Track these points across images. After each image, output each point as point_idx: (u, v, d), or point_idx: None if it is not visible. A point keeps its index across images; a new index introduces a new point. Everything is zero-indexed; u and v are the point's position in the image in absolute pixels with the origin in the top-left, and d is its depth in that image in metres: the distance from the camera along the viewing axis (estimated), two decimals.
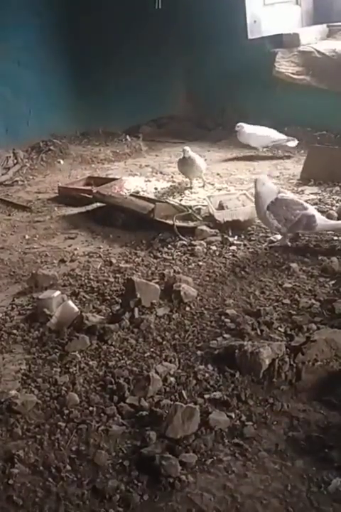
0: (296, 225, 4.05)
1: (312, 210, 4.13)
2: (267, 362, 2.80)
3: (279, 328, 3.14)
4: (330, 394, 2.67)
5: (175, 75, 7.61)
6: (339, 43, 6.37)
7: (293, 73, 6.47)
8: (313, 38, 6.58)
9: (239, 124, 6.21)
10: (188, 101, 7.69)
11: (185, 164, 5.44)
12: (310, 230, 4.09)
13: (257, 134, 6.21)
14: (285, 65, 6.54)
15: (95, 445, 2.49)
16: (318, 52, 6.30)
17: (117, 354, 3.08)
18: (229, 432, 2.50)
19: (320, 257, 3.88)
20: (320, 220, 4.08)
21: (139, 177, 6.02)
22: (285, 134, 6.21)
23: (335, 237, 4.17)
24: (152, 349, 3.10)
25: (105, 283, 3.83)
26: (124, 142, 7.17)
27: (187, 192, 5.42)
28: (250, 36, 6.31)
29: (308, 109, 6.34)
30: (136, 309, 3.39)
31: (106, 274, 3.96)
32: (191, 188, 5.50)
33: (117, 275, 3.93)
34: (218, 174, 5.90)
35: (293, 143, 6.11)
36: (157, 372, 2.88)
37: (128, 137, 7.24)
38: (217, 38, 6.95)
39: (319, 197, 5.02)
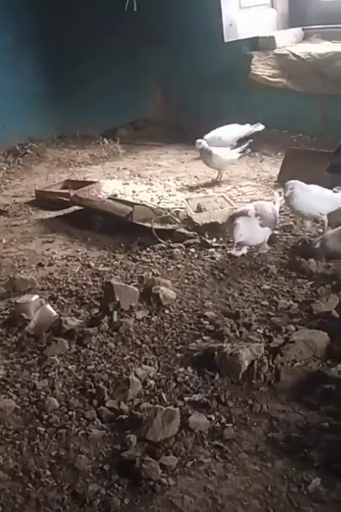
0: (275, 221, 4.21)
1: (269, 204, 4.29)
2: (246, 363, 2.82)
3: (258, 330, 3.15)
4: (309, 394, 2.69)
5: (152, 77, 7.61)
6: (315, 46, 6.42)
7: (269, 76, 6.50)
8: (289, 41, 6.63)
9: (197, 141, 5.81)
10: (165, 104, 7.70)
11: (203, 156, 5.63)
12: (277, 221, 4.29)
13: (221, 136, 6.12)
14: (261, 68, 6.57)
15: (75, 450, 2.48)
16: (294, 55, 6.35)
17: (96, 358, 3.07)
18: (209, 434, 2.51)
19: (297, 259, 3.91)
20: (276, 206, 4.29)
21: (117, 180, 6.01)
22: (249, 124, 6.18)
23: (312, 239, 4.20)
24: (131, 352, 3.10)
25: (83, 286, 3.82)
26: (102, 145, 7.16)
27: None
28: (226, 39, 6.33)
29: (284, 112, 6.38)
30: (115, 313, 3.38)
31: (84, 278, 3.95)
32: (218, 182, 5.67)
33: (96, 278, 3.92)
34: (196, 177, 5.91)
35: (259, 127, 6.10)
36: (136, 376, 2.87)
37: (105, 140, 7.23)
38: (193, 41, 6.97)
39: None
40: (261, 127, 6.11)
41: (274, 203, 4.33)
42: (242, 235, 3.87)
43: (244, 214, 3.99)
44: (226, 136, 6.11)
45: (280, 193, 4.63)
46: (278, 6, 6.74)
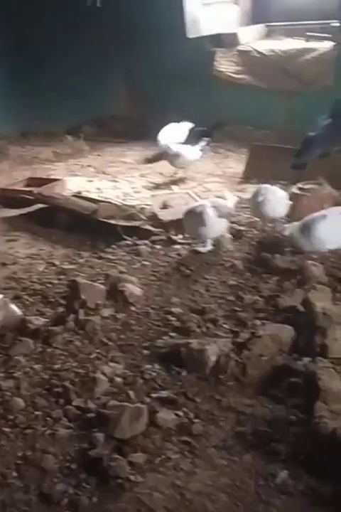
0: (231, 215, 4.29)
1: (220, 200, 4.33)
2: (213, 359, 2.82)
3: (224, 325, 3.17)
4: (276, 388, 2.71)
5: (116, 74, 7.58)
6: (278, 42, 6.48)
7: (232, 72, 6.55)
8: (252, 38, 6.68)
9: (165, 144, 6.00)
10: (130, 100, 7.68)
11: (167, 157, 5.69)
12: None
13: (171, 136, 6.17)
14: (225, 64, 6.61)
15: (42, 450, 2.44)
16: (257, 51, 6.40)
17: (62, 357, 3.03)
18: (177, 430, 2.51)
19: (263, 254, 3.93)
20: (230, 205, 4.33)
21: (81, 177, 5.96)
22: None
23: (278, 234, 4.24)
24: (98, 350, 3.08)
25: (48, 285, 3.77)
26: (65, 142, 7.09)
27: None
28: (189, 35, 6.35)
29: (248, 108, 6.43)
30: (81, 311, 3.35)
31: (49, 277, 3.90)
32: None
33: (61, 277, 3.88)
34: (161, 173, 5.90)
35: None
36: (103, 374, 2.85)
37: (69, 137, 7.16)
38: (157, 38, 6.96)
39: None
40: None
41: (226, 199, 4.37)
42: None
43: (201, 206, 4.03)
44: (175, 136, 6.13)
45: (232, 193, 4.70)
46: (241, 3, 6.78)
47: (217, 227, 4.03)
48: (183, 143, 5.84)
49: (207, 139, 5.81)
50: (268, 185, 4.30)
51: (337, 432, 2.26)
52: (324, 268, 3.61)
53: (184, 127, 6.19)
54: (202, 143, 5.72)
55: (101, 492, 2.23)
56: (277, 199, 4.21)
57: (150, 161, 6.33)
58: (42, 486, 2.27)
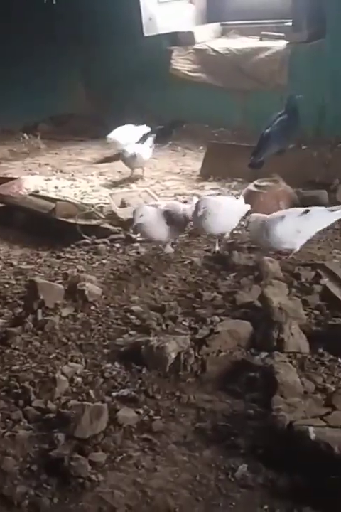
0: (185, 222, 4.09)
1: (181, 205, 4.20)
2: (173, 356, 2.85)
3: (184, 322, 3.19)
4: (234, 383, 2.75)
5: (74, 72, 7.52)
6: (233, 41, 6.53)
7: (189, 71, 6.57)
8: (208, 36, 6.71)
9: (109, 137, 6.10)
10: (87, 98, 7.63)
11: (123, 158, 5.60)
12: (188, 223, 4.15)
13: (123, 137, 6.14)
14: (182, 63, 6.63)
15: (1, 452, 2.42)
16: (213, 50, 6.44)
17: (21, 357, 3.01)
18: (137, 428, 2.52)
19: (221, 251, 3.98)
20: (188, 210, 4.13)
21: (39, 176, 5.91)
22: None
23: (235, 231, 4.29)
24: (57, 350, 3.07)
25: (6, 285, 3.74)
26: (22, 140, 7.00)
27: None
28: (146, 33, 6.35)
29: (205, 106, 6.46)
30: (40, 311, 3.34)
31: (7, 277, 3.87)
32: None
33: (19, 277, 3.85)
34: (119, 171, 5.90)
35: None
36: (63, 374, 2.85)
37: (26, 135, 7.07)
38: (114, 35, 6.94)
39: (218, 192, 5.14)
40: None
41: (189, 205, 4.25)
42: (143, 217, 3.79)
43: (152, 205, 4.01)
44: (127, 136, 6.14)
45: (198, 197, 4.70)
46: (197, 1, 6.81)
47: (161, 230, 3.89)
48: (136, 142, 5.82)
49: (153, 135, 5.81)
50: (211, 198, 4.04)
51: (293, 425, 2.31)
52: (280, 264, 3.67)
53: (138, 130, 6.17)
54: (150, 139, 5.72)
55: (63, 492, 2.23)
56: (223, 212, 3.86)
57: (108, 159, 6.31)
58: (3, 488, 2.25)
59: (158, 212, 3.89)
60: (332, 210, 3.82)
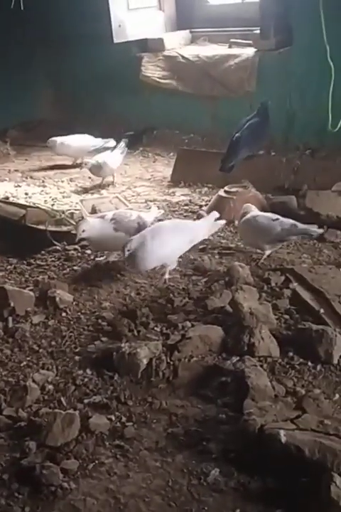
0: (138, 230, 3.88)
1: (134, 212, 4.15)
2: (145, 362, 2.85)
3: (155, 328, 3.20)
4: (206, 388, 2.76)
5: (43, 78, 7.49)
6: (202, 48, 6.57)
7: (159, 77, 6.59)
8: (177, 43, 6.74)
9: (50, 139, 6.09)
10: (57, 104, 7.60)
11: (93, 170, 5.50)
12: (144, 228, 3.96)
13: (71, 144, 6.15)
14: (151, 70, 6.65)
15: None
16: (182, 57, 6.47)
17: None
18: (109, 435, 2.52)
19: (192, 257, 4.00)
20: (146, 217, 4.09)
21: (8, 182, 5.86)
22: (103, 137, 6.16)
23: (206, 237, 4.31)
24: (28, 358, 3.05)
25: None
26: None
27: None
28: (115, 40, 6.35)
29: (175, 113, 6.49)
30: (10, 318, 3.32)
31: None
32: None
33: None
34: (89, 178, 5.88)
35: (111, 143, 6.04)
36: (34, 381, 2.83)
37: None
38: (84, 42, 6.93)
39: (189, 198, 5.17)
40: (112, 143, 6.00)
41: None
42: (85, 232, 3.77)
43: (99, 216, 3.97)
44: (75, 146, 6.15)
45: (158, 207, 4.71)
46: (166, 9, 6.84)
47: (110, 241, 3.83)
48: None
49: (125, 140, 5.81)
50: (139, 236, 3.58)
51: (264, 428, 2.33)
52: (250, 269, 3.70)
53: (87, 141, 6.17)
54: (122, 144, 5.72)
55: (34, 501, 2.22)
56: (150, 251, 3.52)
57: (79, 165, 6.29)
58: None
59: (103, 223, 3.84)
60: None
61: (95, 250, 4.12)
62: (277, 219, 3.82)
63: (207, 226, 3.89)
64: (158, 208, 4.75)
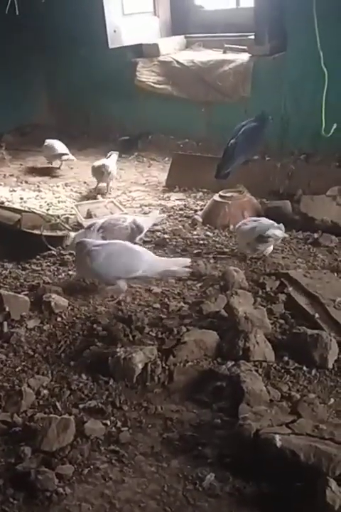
0: (131, 236, 3.95)
1: (130, 217, 4.14)
2: (140, 366, 2.85)
3: (150, 333, 3.20)
4: (201, 392, 2.76)
5: (38, 83, 7.50)
6: (197, 53, 6.59)
7: (154, 82, 6.61)
8: (172, 49, 6.76)
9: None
10: (52, 109, 7.61)
11: (97, 173, 5.49)
12: (140, 234, 4.04)
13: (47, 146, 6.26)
14: (146, 75, 6.66)
15: None
16: (177, 62, 6.48)
17: None
18: (105, 440, 2.52)
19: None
20: (143, 221, 4.11)
21: (3, 187, 5.86)
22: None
23: (201, 242, 4.32)
24: (23, 363, 3.04)
25: None
26: None
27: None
28: (111, 45, 6.37)
29: (170, 118, 6.51)
30: (5, 323, 3.31)
31: None
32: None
33: None
34: (85, 182, 5.89)
35: (71, 156, 6.20)
36: (29, 386, 2.83)
37: None
38: (79, 47, 6.95)
39: (184, 202, 5.18)
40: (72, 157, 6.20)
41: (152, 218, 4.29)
42: (69, 247, 3.90)
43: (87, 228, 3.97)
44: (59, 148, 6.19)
45: (161, 211, 4.72)
46: (161, 14, 6.86)
47: None
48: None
49: (117, 152, 5.79)
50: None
51: (260, 433, 2.34)
52: (245, 273, 3.71)
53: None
54: (114, 155, 5.68)
55: (30, 506, 2.21)
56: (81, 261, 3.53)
57: (73, 169, 6.30)
58: None
59: (88, 236, 3.82)
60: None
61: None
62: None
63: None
64: (162, 211, 4.77)
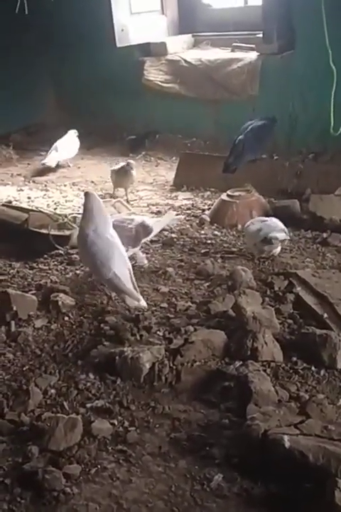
0: (136, 238, 3.90)
1: (139, 217, 4.07)
2: (147, 366, 2.84)
3: (158, 332, 3.19)
4: (209, 392, 2.75)
5: (45, 82, 7.50)
6: (205, 52, 6.58)
7: (161, 81, 6.60)
8: (180, 47, 6.75)
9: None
10: (59, 108, 7.61)
11: (123, 178, 5.29)
12: (147, 236, 3.97)
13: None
14: (154, 74, 6.65)
15: None
16: (185, 61, 6.47)
17: None
18: (112, 439, 2.51)
19: (194, 261, 3.99)
20: (152, 222, 4.03)
21: (11, 186, 5.87)
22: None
23: (209, 241, 4.31)
24: (31, 362, 3.04)
25: None
26: None
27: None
28: (118, 44, 6.36)
29: (178, 117, 6.50)
30: (13, 322, 3.31)
31: None
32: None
33: None
34: (92, 182, 5.89)
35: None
36: (37, 386, 2.82)
37: None
38: (86, 46, 6.95)
39: (192, 202, 5.17)
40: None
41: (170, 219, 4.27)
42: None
43: None
44: (68, 150, 6.26)
45: (177, 213, 4.72)
46: (168, 13, 6.85)
47: None
48: None
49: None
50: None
51: (268, 434, 2.32)
52: (253, 273, 3.70)
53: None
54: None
55: (37, 506, 2.21)
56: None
57: (80, 169, 6.30)
58: None
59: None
60: None
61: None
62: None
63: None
64: (178, 213, 4.75)
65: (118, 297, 3.45)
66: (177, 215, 4.68)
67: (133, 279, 3.39)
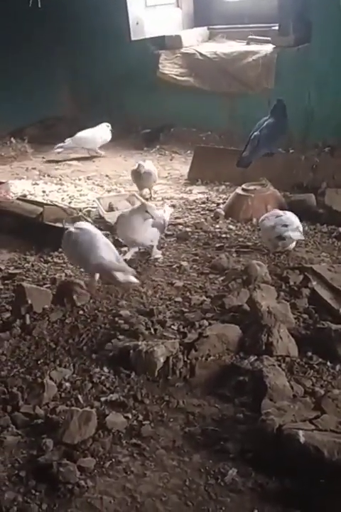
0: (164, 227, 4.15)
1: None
2: (162, 360, 2.84)
3: (172, 326, 3.18)
4: (223, 387, 2.75)
5: (61, 76, 7.51)
6: (220, 45, 6.54)
7: (176, 75, 6.58)
8: (195, 41, 6.73)
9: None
10: (75, 102, 7.63)
11: (140, 179, 5.16)
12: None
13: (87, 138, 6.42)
14: (169, 67, 6.64)
15: None
16: (200, 54, 6.45)
17: (9, 363, 3.00)
18: (126, 433, 2.51)
19: (209, 255, 3.98)
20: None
21: (26, 180, 5.89)
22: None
23: (223, 235, 4.29)
24: (45, 355, 3.05)
25: None
26: (9, 145, 6.98)
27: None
28: (133, 37, 6.34)
29: (193, 110, 6.48)
30: (28, 316, 3.32)
31: None
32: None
33: (6, 282, 3.82)
34: (107, 176, 5.89)
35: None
36: (51, 379, 2.83)
37: (13, 140, 7.05)
38: (101, 39, 6.95)
39: (206, 196, 5.16)
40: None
41: (164, 211, 4.29)
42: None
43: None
44: (92, 139, 6.32)
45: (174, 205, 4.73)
46: (184, 6, 6.82)
47: (147, 234, 3.93)
48: None
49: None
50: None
51: (283, 429, 2.31)
52: (268, 267, 3.68)
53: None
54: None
55: (51, 498, 2.22)
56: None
57: (95, 163, 6.31)
58: None
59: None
60: None
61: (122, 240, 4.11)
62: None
63: None
64: (174, 206, 4.75)
65: (111, 280, 3.51)
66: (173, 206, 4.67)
67: (124, 263, 3.54)
